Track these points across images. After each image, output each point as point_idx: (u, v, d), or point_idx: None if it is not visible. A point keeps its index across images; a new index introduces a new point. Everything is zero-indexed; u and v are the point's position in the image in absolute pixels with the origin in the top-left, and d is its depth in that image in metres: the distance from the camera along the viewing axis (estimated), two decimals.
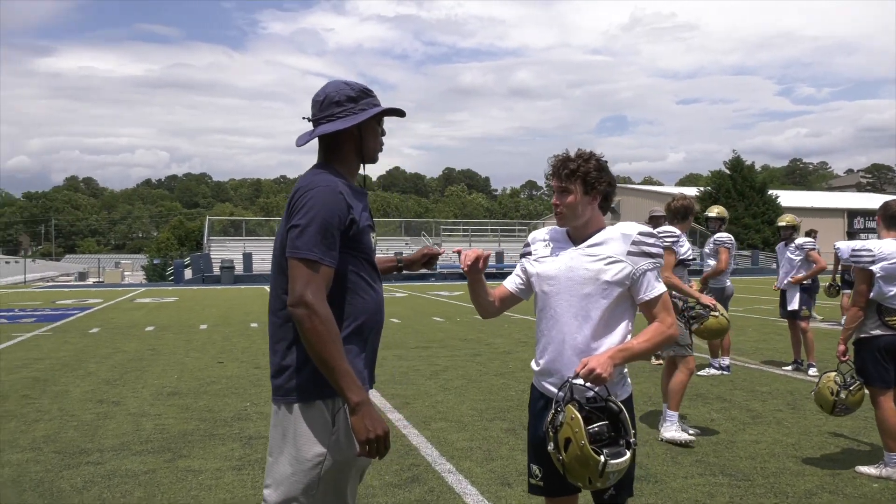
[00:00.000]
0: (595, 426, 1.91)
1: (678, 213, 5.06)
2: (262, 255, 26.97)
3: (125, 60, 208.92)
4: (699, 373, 6.68)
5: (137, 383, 6.61)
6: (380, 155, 2.07)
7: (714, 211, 7.31)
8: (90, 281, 36.70)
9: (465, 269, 2.20)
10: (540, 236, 2.30)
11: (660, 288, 2.13)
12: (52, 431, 4.85)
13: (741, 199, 40.11)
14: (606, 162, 2.23)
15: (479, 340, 9.61)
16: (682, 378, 4.66)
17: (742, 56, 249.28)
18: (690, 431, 4.68)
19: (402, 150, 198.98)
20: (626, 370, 2.21)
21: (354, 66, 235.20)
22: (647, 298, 2.12)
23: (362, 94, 1.96)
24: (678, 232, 4.87)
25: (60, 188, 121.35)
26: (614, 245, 2.12)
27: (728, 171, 42.02)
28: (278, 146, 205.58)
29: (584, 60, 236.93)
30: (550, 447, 1.95)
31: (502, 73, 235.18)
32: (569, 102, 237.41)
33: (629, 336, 2.14)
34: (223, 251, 29.53)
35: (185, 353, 8.64)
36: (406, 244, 32.87)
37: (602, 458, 1.85)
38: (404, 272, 2.42)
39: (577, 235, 2.20)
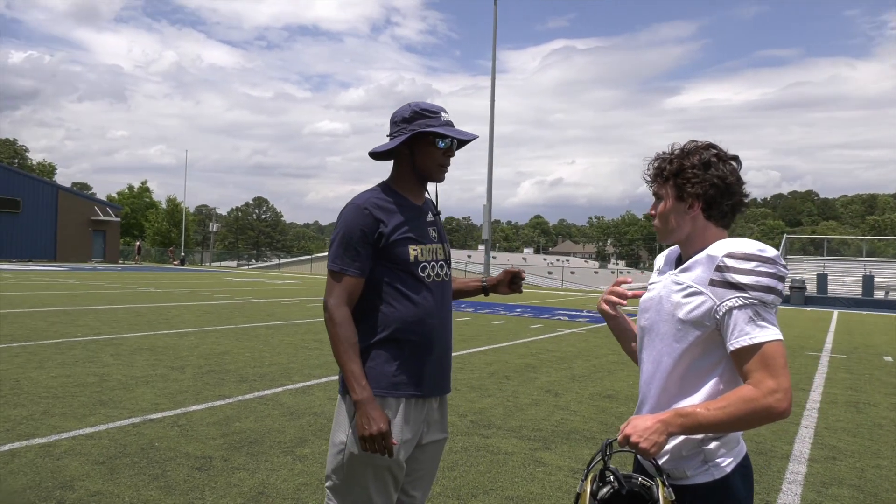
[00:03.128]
0: None
1: None
2: (841, 277, 23.98)
3: (741, 88, 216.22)
4: None
5: (595, 382, 7.24)
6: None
7: None
8: None
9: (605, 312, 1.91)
10: (661, 258, 1.84)
11: (756, 335, 1.48)
12: (489, 406, 5.92)
13: None
14: (731, 160, 1.64)
15: None
16: None
17: None
18: None
19: None
20: (711, 445, 1.57)
21: None
22: (734, 347, 1.50)
23: (416, 115, 2.05)
24: None
25: None
26: (698, 270, 1.57)
27: None
28: None
29: None
30: None
31: None
32: None
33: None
34: (798, 270, 27.45)
35: None
36: None
37: None
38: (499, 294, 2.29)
39: (684, 256, 1.70)
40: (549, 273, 51.46)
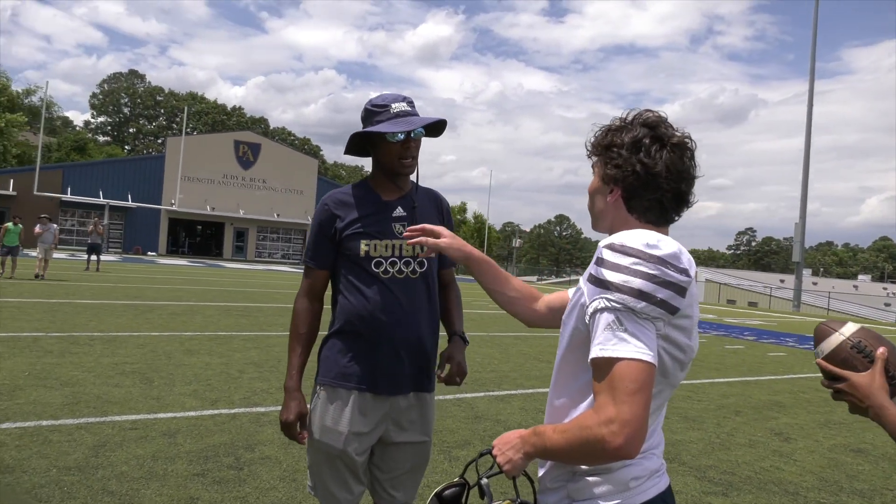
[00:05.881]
0: None
1: None
2: None
3: None
4: None
5: (853, 433, 6.00)
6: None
7: None
8: None
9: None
10: None
11: (610, 347, 1.18)
12: (690, 440, 5.32)
13: None
14: (675, 147, 1.34)
15: None
16: None
17: None
18: None
19: None
20: (581, 481, 1.30)
21: None
22: (589, 358, 1.23)
23: (367, 114, 2.03)
24: None
25: None
26: (590, 265, 1.33)
27: None
28: None
29: None
30: None
31: None
32: None
33: None
34: None
35: None
36: None
37: None
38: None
39: None
40: (887, 305, 43.38)
